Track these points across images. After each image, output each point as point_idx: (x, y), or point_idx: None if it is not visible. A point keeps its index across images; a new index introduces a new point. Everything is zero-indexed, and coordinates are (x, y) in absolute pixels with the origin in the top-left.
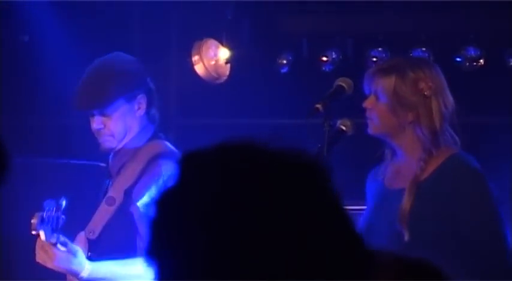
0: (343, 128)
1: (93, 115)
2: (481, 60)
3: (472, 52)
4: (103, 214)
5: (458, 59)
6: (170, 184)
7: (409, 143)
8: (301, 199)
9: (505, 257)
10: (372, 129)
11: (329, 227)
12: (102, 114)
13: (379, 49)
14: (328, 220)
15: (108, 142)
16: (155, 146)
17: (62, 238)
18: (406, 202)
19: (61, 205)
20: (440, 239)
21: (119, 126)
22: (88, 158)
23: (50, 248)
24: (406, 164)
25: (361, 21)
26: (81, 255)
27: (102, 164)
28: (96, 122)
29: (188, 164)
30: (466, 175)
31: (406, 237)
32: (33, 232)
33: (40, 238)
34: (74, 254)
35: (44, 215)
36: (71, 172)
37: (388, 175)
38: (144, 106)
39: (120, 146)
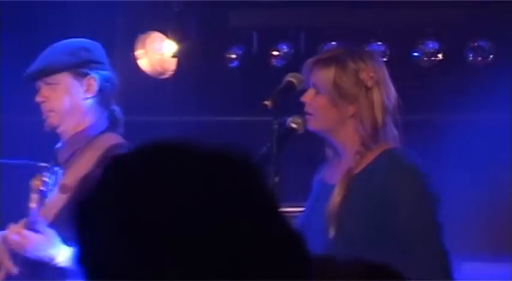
0: (294, 126)
1: (39, 88)
2: (440, 55)
3: (430, 46)
4: (56, 202)
5: (416, 54)
6: (94, 186)
7: (349, 138)
8: (230, 200)
9: (437, 257)
10: (312, 125)
11: (261, 228)
12: (46, 83)
13: (333, 43)
14: (260, 220)
15: (50, 117)
16: (112, 137)
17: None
18: (335, 197)
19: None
20: (369, 235)
21: (61, 101)
22: (23, 157)
23: (26, 231)
24: (345, 160)
25: (314, 14)
26: (57, 238)
27: (42, 164)
28: (39, 95)
29: (112, 166)
30: (397, 170)
31: (332, 233)
32: (43, 189)
33: (17, 224)
34: (50, 236)
35: (47, 178)
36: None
37: (328, 171)
38: (93, 89)
39: (69, 131)
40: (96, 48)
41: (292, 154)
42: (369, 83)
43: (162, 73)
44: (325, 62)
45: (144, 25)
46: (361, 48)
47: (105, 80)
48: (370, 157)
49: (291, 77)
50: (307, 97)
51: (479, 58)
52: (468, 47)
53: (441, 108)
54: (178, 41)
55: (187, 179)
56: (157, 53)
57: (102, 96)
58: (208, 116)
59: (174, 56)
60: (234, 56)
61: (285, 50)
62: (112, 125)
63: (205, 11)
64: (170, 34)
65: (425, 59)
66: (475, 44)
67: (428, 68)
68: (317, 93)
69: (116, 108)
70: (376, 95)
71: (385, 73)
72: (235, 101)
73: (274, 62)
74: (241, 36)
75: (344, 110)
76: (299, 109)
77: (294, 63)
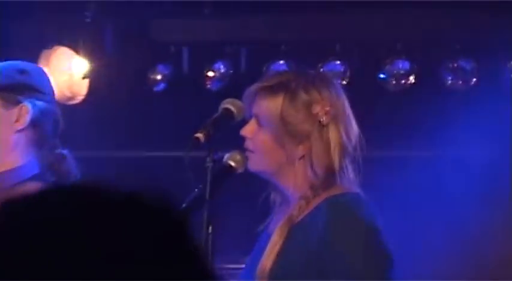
0: (232, 164)
1: None
2: (411, 77)
3: (400, 66)
4: None
5: (382, 76)
6: None
7: (298, 183)
8: (139, 264)
9: None
10: (253, 165)
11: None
12: None
13: (281, 62)
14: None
15: None
16: (34, 189)
17: None
18: (270, 248)
19: None
20: None
21: None
22: None
23: None
24: (289, 206)
25: (258, 26)
26: None
27: None
28: None
29: (5, 209)
30: (338, 222)
31: None
32: None
33: None
34: None
35: None
36: None
37: (273, 220)
38: (24, 121)
39: None
40: (37, 73)
41: (229, 198)
42: (324, 119)
43: (71, 98)
44: (271, 90)
45: (48, 38)
46: (315, 72)
47: (41, 112)
48: (314, 203)
49: (228, 104)
50: (248, 131)
51: (460, 81)
52: (445, 67)
53: (413, 144)
54: (91, 58)
55: (85, 237)
56: (65, 72)
57: (36, 132)
58: (127, 151)
59: (85, 77)
60: (159, 76)
61: (222, 70)
62: (43, 171)
63: (124, 21)
64: (81, 49)
65: (394, 81)
66: (454, 64)
67: (398, 93)
68: (260, 126)
69: (57, 152)
70: (332, 134)
71: (344, 105)
72: (160, 132)
73: (208, 84)
74: (169, 52)
75: (292, 150)
76: (238, 144)
77: (232, 87)
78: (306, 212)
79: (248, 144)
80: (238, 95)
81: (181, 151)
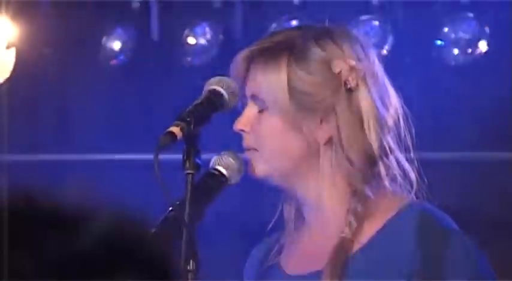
0: (223, 170)
1: None
2: (481, 44)
3: (465, 28)
4: None
5: (439, 42)
6: None
7: (327, 184)
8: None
9: None
10: (259, 169)
11: None
12: None
13: (293, 23)
14: None
15: None
16: None
17: None
18: None
19: None
20: None
21: None
22: None
23: None
24: (322, 227)
25: None
26: None
27: None
28: None
29: None
30: (438, 241)
31: None
32: None
33: None
34: None
35: None
36: None
37: (287, 252)
38: None
39: None
40: None
41: (219, 220)
42: (351, 80)
43: None
44: (270, 54)
45: None
46: (334, 26)
47: None
48: (380, 217)
49: (216, 85)
50: (244, 122)
51: None
52: None
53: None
54: (19, 19)
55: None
56: None
57: None
58: (70, 153)
59: (10, 46)
60: (117, 45)
61: (208, 36)
62: None
63: None
64: (4, 6)
65: (456, 51)
66: None
67: (461, 66)
68: (261, 111)
69: None
70: (364, 101)
71: (375, 64)
72: (119, 125)
73: (187, 56)
74: (131, 10)
75: (313, 133)
76: (232, 141)
77: (222, 60)
78: (369, 234)
79: (248, 141)
80: (228, 71)
81: (149, 153)
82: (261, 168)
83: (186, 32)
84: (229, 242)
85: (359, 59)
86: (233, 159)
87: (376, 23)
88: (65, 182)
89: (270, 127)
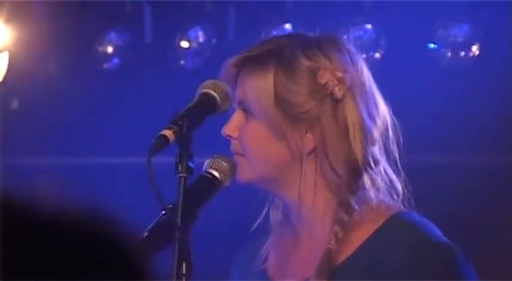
0: (215, 174)
1: None
2: (474, 48)
3: (457, 31)
4: None
5: (432, 45)
6: None
7: (310, 193)
8: None
9: None
10: (244, 173)
11: None
12: None
13: (286, 26)
14: None
15: None
16: None
17: None
18: None
19: None
20: None
21: None
22: None
23: None
24: (308, 235)
25: None
26: None
27: None
28: None
29: None
30: (425, 253)
31: None
32: None
33: None
34: None
35: None
36: None
37: (273, 258)
38: None
39: None
40: None
41: (211, 223)
42: (337, 90)
43: None
44: (257, 62)
45: None
46: (319, 34)
47: None
48: (365, 228)
49: (209, 89)
50: (232, 128)
51: None
52: None
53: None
54: (13, 22)
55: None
56: None
57: None
58: (65, 157)
59: (4, 50)
60: (110, 48)
61: (201, 40)
62: None
63: None
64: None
65: (449, 53)
66: None
67: (454, 68)
68: (248, 118)
69: None
70: (350, 112)
71: (363, 74)
72: (112, 129)
73: (181, 59)
74: (124, 13)
75: (297, 143)
76: (225, 145)
77: (215, 63)
78: (354, 245)
79: (235, 146)
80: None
81: (141, 156)
82: (246, 173)
83: (179, 35)
84: (223, 245)
85: (346, 70)
86: (226, 162)
87: (369, 26)
88: (54, 185)
89: (255, 134)
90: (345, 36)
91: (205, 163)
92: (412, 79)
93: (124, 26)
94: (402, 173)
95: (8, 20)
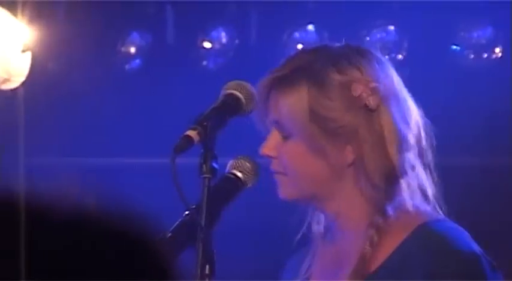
0: (239, 175)
1: None
2: (497, 50)
3: (480, 34)
4: None
5: (454, 47)
6: None
7: (348, 203)
8: None
9: None
10: (287, 192)
11: None
12: None
13: (308, 28)
14: None
15: None
16: None
17: None
18: None
19: None
20: None
21: None
22: None
23: None
24: (348, 243)
25: None
26: None
27: None
28: None
29: None
30: (449, 264)
31: None
32: None
33: None
34: None
35: None
36: None
37: (316, 266)
38: None
39: None
40: None
41: (236, 223)
42: (371, 101)
43: (6, 80)
44: (287, 81)
45: None
46: (347, 44)
47: None
48: (396, 235)
49: (233, 89)
50: (270, 148)
51: None
52: None
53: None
54: (35, 23)
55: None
56: None
57: None
58: (85, 157)
59: (26, 50)
60: (133, 49)
61: (223, 41)
62: None
63: None
64: (21, 11)
65: (472, 55)
66: None
67: (477, 69)
68: (286, 137)
69: None
70: (385, 120)
71: (395, 83)
72: (135, 130)
73: (204, 60)
74: (147, 14)
75: (337, 157)
76: (248, 146)
77: (238, 64)
78: (387, 252)
79: (275, 165)
80: (246, 76)
81: (166, 157)
82: (288, 191)
83: (202, 36)
84: (246, 246)
85: (378, 79)
86: (249, 163)
87: (392, 27)
88: (79, 186)
89: (294, 152)
90: (368, 38)
91: (229, 164)
92: (434, 81)
93: (146, 26)
94: (435, 175)
95: (31, 21)
